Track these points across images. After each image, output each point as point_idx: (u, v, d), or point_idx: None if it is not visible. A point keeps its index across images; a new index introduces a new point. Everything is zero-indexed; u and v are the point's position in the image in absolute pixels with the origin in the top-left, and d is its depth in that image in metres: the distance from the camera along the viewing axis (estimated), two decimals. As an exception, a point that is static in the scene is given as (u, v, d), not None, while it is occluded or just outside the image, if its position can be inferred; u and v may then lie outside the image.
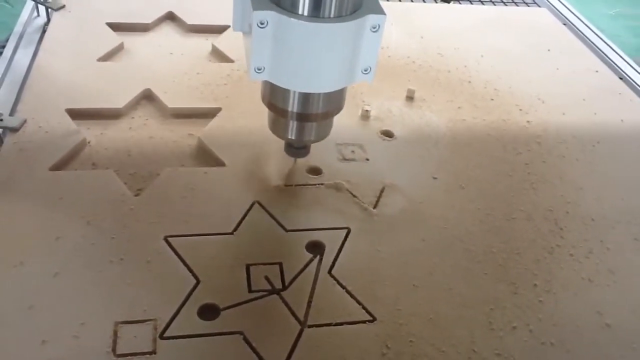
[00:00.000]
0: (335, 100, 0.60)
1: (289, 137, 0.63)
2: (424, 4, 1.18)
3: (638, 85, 1.00)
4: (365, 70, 0.56)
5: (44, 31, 0.94)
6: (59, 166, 0.69)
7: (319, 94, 0.58)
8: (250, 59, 0.54)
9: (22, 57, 0.89)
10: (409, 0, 1.20)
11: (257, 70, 0.54)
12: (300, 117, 0.60)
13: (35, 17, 0.99)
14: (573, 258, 0.66)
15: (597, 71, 1.01)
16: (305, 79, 0.55)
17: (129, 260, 0.59)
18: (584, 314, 0.60)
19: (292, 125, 0.62)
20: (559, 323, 0.59)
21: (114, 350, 0.51)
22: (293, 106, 0.59)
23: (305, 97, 0.58)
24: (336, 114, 0.62)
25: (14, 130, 0.72)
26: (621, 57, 1.08)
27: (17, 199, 0.64)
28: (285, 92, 0.58)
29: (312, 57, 0.53)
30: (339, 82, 0.56)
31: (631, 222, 0.72)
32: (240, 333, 0.54)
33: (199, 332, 0.53)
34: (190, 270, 0.58)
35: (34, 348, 0.51)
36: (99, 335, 0.52)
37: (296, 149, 0.66)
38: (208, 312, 0.55)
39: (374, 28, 0.53)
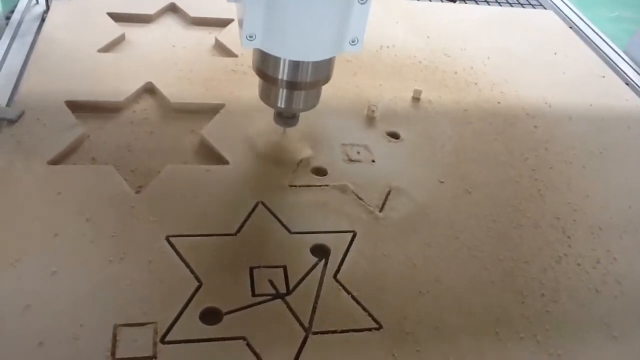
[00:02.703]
0: (323, 70, 0.62)
1: (279, 105, 0.65)
2: (430, 2, 1.17)
3: (645, 92, 1.00)
4: (353, 41, 0.58)
5: (42, 20, 0.92)
6: (58, 160, 0.67)
7: (308, 62, 0.60)
8: (242, 27, 0.56)
9: (20, 46, 0.87)
10: (415, -1, 1.18)
11: (248, 38, 0.56)
12: (290, 85, 0.62)
13: (34, 5, 0.96)
14: (580, 267, 0.65)
15: (603, 76, 1.00)
16: (295, 46, 0.57)
17: (129, 260, 0.57)
18: (591, 325, 0.59)
19: (282, 93, 0.63)
20: (566, 334, 0.58)
21: (113, 354, 0.49)
22: (283, 74, 0.61)
23: (295, 65, 0.60)
24: (324, 83, 0.64)
25: (12, 121, 0.70)
26: (627, 63, 1.08)
27: (14, 193, 0.62)
28: (276, 60, 0.60)
29: (302, 25, 0.55)
30: (327, 51, 0.59)
31: (638, 230, 0.71)
32: (243, 338, 0.52)
33: (201, 337, 0.52)
34: (193, 272, 0.57)
35: (30, 350, 0.49)
36: (98, 338, 0.50)
37: (285, 118, 0.68)
38: (210, 316, 0.54)
39: (362, 0, 0.55)
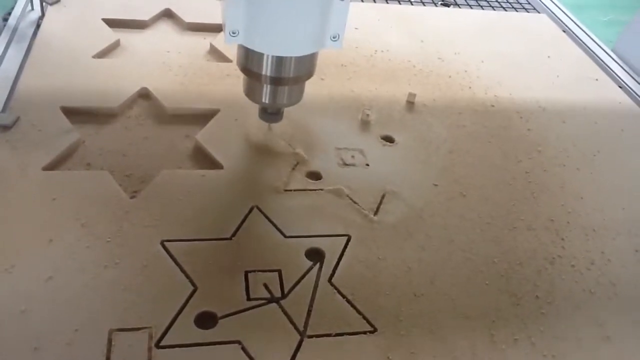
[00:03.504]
0: (306, 65, 0.63)
1: (263, 101, 0.66)
2: (424, 7, 1.17)
3: (638, 95, 1.00)
4: (334, 37, 0.60)
5: (38, 26, 0.92)
6: (53, 166, 0.67)
7: (291, 57, 0.61)
8: (225, 23, 0.57)
9: (15, 52, 0.87)
10: (409, 3, 1.19)
11: (231, 34, 0.57)
12: (273, 81, 0.63)
13: (30, 11, 0.96)
14: (574, 269, 0.65)
15: (597, 79, 1.00)
16: (277, 42, 0.59)
17: (124, 265, 0.57)
18: (586, 327, 0.60)
19: (266, 89, 0.65)
20: (560, 336, 0.58)
21: (108, 359, 0.49)
22: (266, 70, 0.62)
23: (278, 61, 0.61)
24: (307, 79, 0.66)
25: (7, 127, 0.70)
26: (620, 66, 1.08)
27: (9, 199, 0.62)
28: (259, 56, 0.61)
29: (282, 20, 0.56)
30: (309, 46, 0.60)
31: (632, 232, 0.71)
32: (239, 342, 0.52)
33: (196, 341, 0.52)
34: (188, 277, 0.57)
35: (25, 355, 0.49)
36: (93, 343, 0.50)
37: (270, 114, 0.69)
38: (205, 320, 0.54)
39: None
